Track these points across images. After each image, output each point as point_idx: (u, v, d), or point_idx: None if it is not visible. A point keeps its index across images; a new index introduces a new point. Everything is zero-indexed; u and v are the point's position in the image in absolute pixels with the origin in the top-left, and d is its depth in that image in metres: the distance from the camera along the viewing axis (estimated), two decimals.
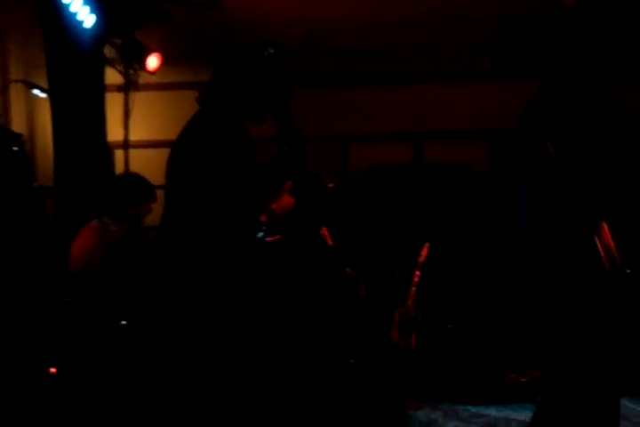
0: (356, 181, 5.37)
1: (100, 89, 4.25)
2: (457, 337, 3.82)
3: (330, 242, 4.18)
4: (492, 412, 3.39)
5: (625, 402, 2.19)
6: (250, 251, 2.14)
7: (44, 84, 4.09)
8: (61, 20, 3.87)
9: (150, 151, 4.57)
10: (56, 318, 2.78)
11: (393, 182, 5.37)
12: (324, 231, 4.21)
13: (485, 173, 5.36)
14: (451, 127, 5.35)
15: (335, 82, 5.43)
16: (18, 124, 4.35)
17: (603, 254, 2.02)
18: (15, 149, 3.08)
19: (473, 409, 3.45)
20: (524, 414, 3.30)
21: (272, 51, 2.21)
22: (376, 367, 3.85)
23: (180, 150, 2.17)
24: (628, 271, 2.04)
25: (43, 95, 4.15)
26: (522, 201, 2.24)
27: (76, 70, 3.97)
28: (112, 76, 4.43)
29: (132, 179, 3.31)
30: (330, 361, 3.46)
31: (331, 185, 4.17)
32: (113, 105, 4.40)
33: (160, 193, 3.50)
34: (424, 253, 4.52)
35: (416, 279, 4.48)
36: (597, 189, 2.05)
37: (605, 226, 2.04)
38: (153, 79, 4.60)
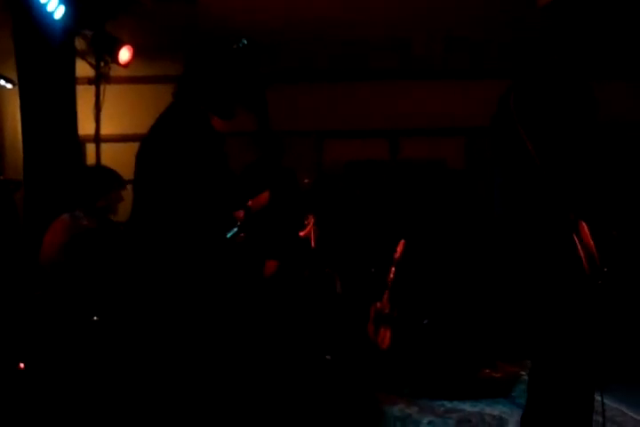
0: (332, 176, 5.36)
1: (71, 81, 4.17)
2: (432, 333, 3.83)
3: (313, 242, 4.16)
4: (467, 407, 3.40)
5: (597, 396, 2.20)
6: (218, 247, 2.11)
7: (13, 75, 3.99)
8: (30, 10, 3.78)
9: (121, 145, 4.50)
10: (24, 312, 2.71)
11: (369, 179, 5.36)
12: (310, 224, 4.18)
13: (461, 170, 5.38)
14: (427, 124, 5.36)
15: (311, 77, 5.41)
16: None
17: (582, 255, 2.02)
18: None
19: (448, 404, 3.45)
20: (498, 409, 3.33)
21: (245, 42, 2.17)
22: (352, 363, 3.84)
23: (149, 145, 2.13)
24: (605, 270, 2.03)
25: (9, 86, 4.06)
26: (497, 197, 2.23)
27: (46, 62, 3.88)
28: (83, 68, 4.35)
29: (99, 170, 3.28)
30: (306, 357, 3.44)
31: (307, 181, 4.15)
32: (83, 98, 4.32)
33: (132, 188, 3.47)
34: (399, 249, 4.52)
35: (391, 276, 4.48)
36: (575, 186, 2.05)
37: (585, 225, 2.03)
38: (124, 72, 4.52)
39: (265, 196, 2.39)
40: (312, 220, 4.28)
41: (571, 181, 2.04)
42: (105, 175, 3.08)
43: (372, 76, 5.39)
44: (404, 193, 5.19)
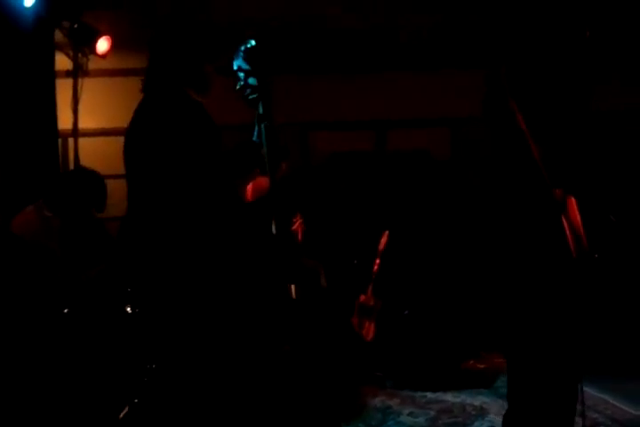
0: (317, 168, 5.32)
1: (50, 74, 4.11)
2: (414, 324, 3.81)
3: (300, 239, 4.12)
4: (449, 398, 3.39)
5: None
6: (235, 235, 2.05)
7: None
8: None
9: (101, 140, 4.46)
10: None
11: (354, 170, 5.33)
12: (298, 221, 4.15)
13: (446, 161, 5.35)
14: (413, 115, 5.32)
15: (296, 69, 5.36)
16: None
17: (569, 236, 1.93)
18: None
19: (430, 395, 3.44)
20: (480, 400, 3.31)
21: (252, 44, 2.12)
22: (335, 357, 3.82)
23: (138, 135, 2.07)
24: (596, 256, 1.95)
25: None
26: (489, 178, 2.17)
27: (22, 53, 3.82)
28: (60, 61, 4.29)
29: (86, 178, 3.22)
30: (282, 351, 3.41)
31: (284, 166, 4.06)
32: (62, 92, 4.26)
33: (111, 182, 3.42)
34: (383, 240, 4.50)
35: (376, 267, 4.46)
36: (567, 164, 1.97)
37: (574, 203, 1.94)
38: (103, 65, 4.47)
39: (263, 181, 2.30)
40: (299, 217, 4.25)
41: (563, 156, 1.96)
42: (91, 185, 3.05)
43: (358, 68, 5.34)
44: (389, 184, 5.17)
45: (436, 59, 5.27)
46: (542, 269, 2.00)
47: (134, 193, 2.07)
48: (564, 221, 1.90)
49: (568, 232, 1.90)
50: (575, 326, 2.06)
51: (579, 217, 1.92)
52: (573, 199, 1.92)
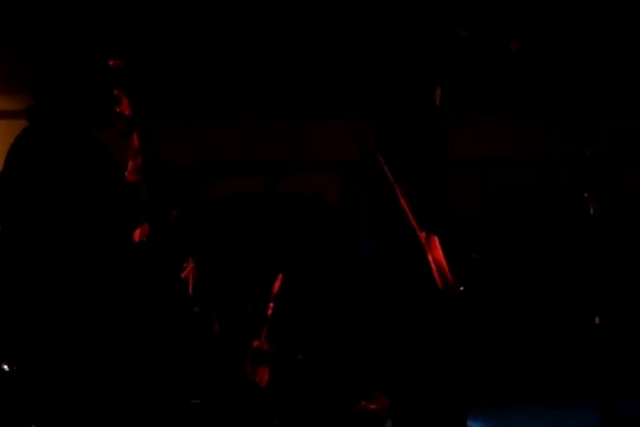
0: (209, 211, 5.29)
1: None
2: (307, 367, 3.81)
3: (190, 286, 4.03)
4: None
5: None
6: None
7: None
8: None
9: None
10: None
11: (247, 213, 5.34)
12: (189, 266, 4.05)
13: (337, 204, 5.50)
14: (303, 160, 5.46)
15: (190, 115, 5.37)
16: None
17: (434, 269, 2.06)
18: None
19: None
20: None
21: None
22: (228, 405, 3.72)
23: (18, 177, 1.94)
24: (462, 289, 2.08)
25: None
26: (366, 226, 2.28)
27: None
28: None
29: None
30: (175, 402, 3.29)
31: (174, 212, 4.03)
32: None
33: None
34: (277, 284, 4.50)
35: (270, 311, 4.43)
36: (429, 206, 2.11)
37: (436, 240, 2.08)
38: None
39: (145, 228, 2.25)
40: (191, 262, 4.17)
41: (425, 202, 2.10)
42: None
43: (252, 114, 5.44)
44: (282, 227, 5.22)
45: (328, 106, 5.47)
46: (411, 302, 2.12)
47: (4, 239, 1.95)
48: (429, 258, 2.05)
49: (434, 268, 2.05)
50: (449, 356, 2.15)
51: (442, 254, 2.06)
52: (436, 239, 2.07)
